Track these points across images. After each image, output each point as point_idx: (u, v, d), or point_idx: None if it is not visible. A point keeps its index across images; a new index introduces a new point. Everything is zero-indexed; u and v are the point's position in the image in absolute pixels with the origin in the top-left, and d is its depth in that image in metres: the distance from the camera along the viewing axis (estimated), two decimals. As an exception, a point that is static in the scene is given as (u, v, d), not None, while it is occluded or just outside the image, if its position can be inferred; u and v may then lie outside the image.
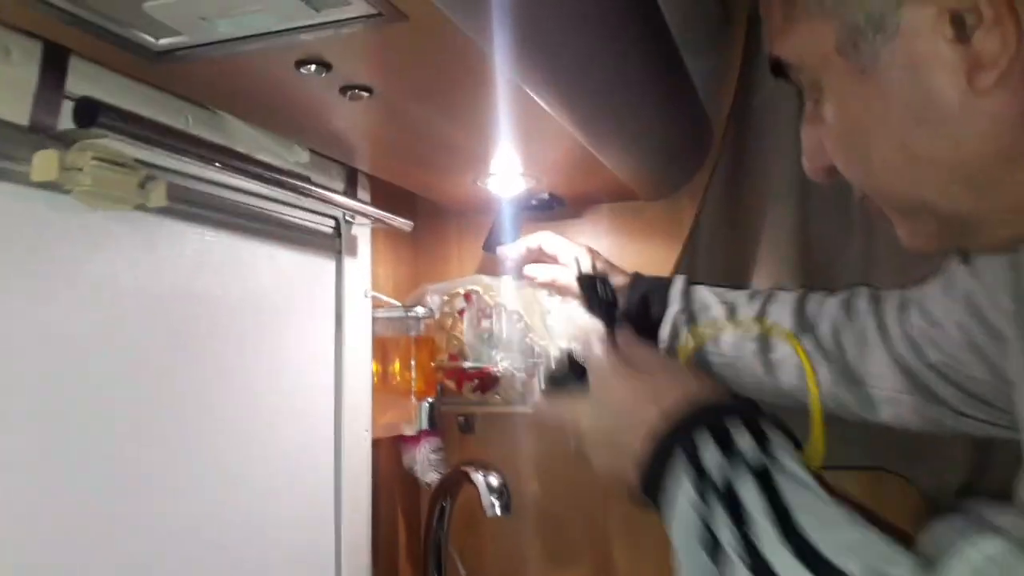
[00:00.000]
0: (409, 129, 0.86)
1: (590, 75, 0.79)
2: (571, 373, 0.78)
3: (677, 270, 1.20)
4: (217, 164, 0.83)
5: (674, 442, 0.60)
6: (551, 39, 0.70)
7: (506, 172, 1.04)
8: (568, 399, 0.76)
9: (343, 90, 0.74)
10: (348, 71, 0.69)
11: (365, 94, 0.74)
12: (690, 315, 1.00)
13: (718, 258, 1.24)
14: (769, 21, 0.60)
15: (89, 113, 0.64)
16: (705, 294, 1.02)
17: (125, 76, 0.74)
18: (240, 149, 0.89)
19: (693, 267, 1.22)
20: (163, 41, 0.62)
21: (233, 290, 0.92)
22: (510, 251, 1.13)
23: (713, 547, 0.53)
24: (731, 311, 1.00)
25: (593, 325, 0.84)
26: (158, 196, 0.79)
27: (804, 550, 0.49)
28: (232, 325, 0.91)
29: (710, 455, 0.58)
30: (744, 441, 0.58)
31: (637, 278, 1.06)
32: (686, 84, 1.00)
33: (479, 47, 0.63)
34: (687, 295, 1.02)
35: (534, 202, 1.16)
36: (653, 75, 0.89)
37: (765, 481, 0.54)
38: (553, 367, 0.82)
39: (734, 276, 1.20)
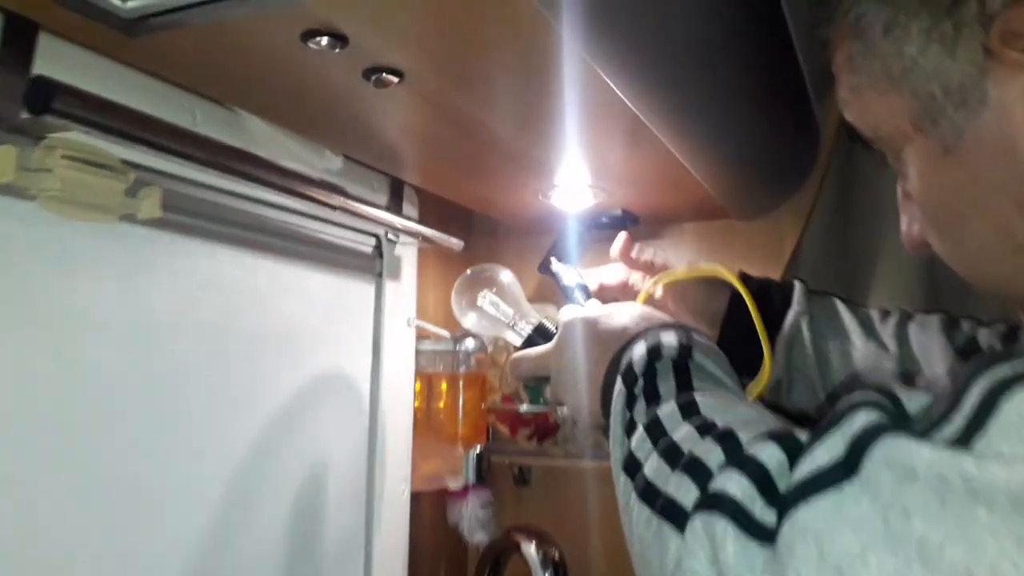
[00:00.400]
0: (455, 127, 0.71)
1: (686, 66, 0.63)
2: (539, 338, 0.78)
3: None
4: (227, 170, 0.69)
5: (620, 361, 0.60)
6: (639, 15, 0.54)
7: (575, 184, 0.88)
8: (537, 351, 0.75)
9: (367, 74, 0.59)
10: (370, 46, 0.55)
11: (394, 79, 0.59)
12: (812, 318, 0.82)
13: (828, 284, 1.05)
14: (837, 86, 0.54)
15: (42, 96, 0.51)
16: (833, 301, 0.84)
17: (111, 59, 0.61)
18: (259, 153, 0.76)
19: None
20: (131, 3, 0.48)
21: (249, 318, 0.78)
22: (570, 276, 0.95)
23: (630, 425, 0.54)
24: (864, 324, 0.81)
25: None
26: (150, 206, 0.66)
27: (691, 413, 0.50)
28: (246, 360, 0.78)
29: (638, 356, 0.58)
30: (670, 343, 0.58)
31: (747, 275, 0.87)
32: (798, 84, 0.82)
33: (547, 19, 0.48)
34: (810, 298, 0.84)
35: (604, 219, 1.00)
36: (761, 71, 0.72)
37: (680, 372, 0.55)
38: (521, 332, 0.81)
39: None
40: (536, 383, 1.05)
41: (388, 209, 0.94)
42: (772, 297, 0.83)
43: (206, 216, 0.73)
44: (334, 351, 0.90)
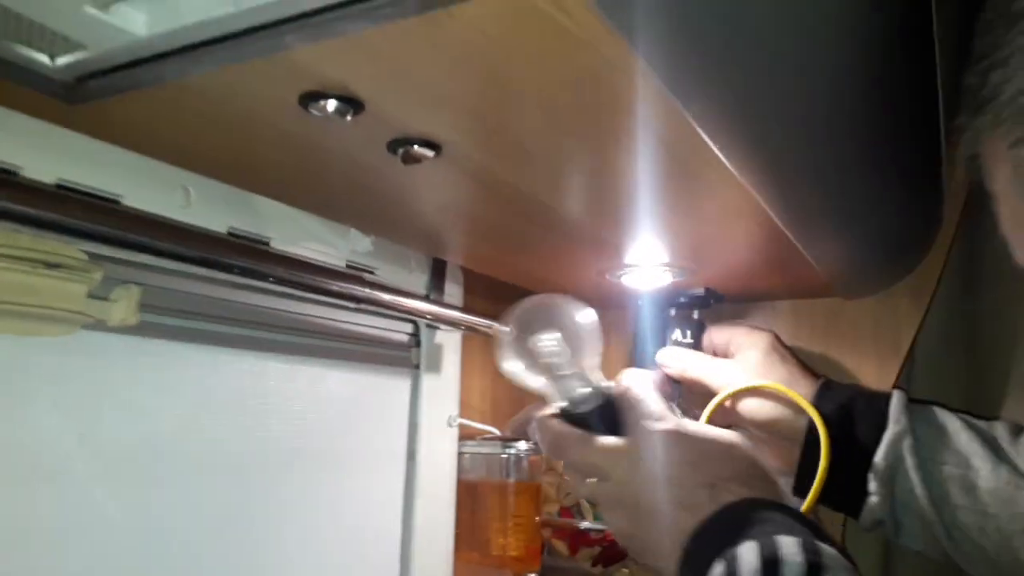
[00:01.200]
0: (507, 205, 0.56)
1: (807, 122, 0.47)
2: (596, 416, 0.59)
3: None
4: (226, 268, 0.56)
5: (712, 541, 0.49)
6: (754, 61, 0.39)
7: (648, 263, 0.73)
8: (601, 443, 0.58)
9: (393, 146, 0.45)
10: (394, 113, 0.41)
11: (428, 152, 0.45)
12: (917, 439, 0.65)
13: (949, 379, 0.87)
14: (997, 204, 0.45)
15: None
16: (942, 415, 0.67)
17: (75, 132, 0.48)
18: (270, 237, 0.62)
19: (912, 390, 0.86)
20: (62, 61, 0.35)
21: (255, 434, 0.64)
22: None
23: None
24: (989, 444, 0.64)
25: None
26: (125, 309, 0.52)
27: None
28: (253, 487, 0.63)
29: (747, 569, 0.44)
30: (793, 559, 0.44)
31: (828, 385, 0.71)
32: (933, 148, 0.66)
33: (628, 64, 0.33)
34: (912, 413, 0.67)
35: (683, 299, 0.83)
36: (891, 127, 0.56)
37: None
38: (577, 398, 0.61)
39: (973, 405, 0.83)
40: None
41: (428, 292, 0.80)
42: (858, 414, 0.67)
43: (199, 315, 0.60)
44: (360, 461, 0.75)
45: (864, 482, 0.66)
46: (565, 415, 0.61)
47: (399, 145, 0.45)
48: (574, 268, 0.75)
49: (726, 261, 0.72)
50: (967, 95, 0.42)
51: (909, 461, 0.64)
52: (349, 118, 0.40)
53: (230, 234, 0.60)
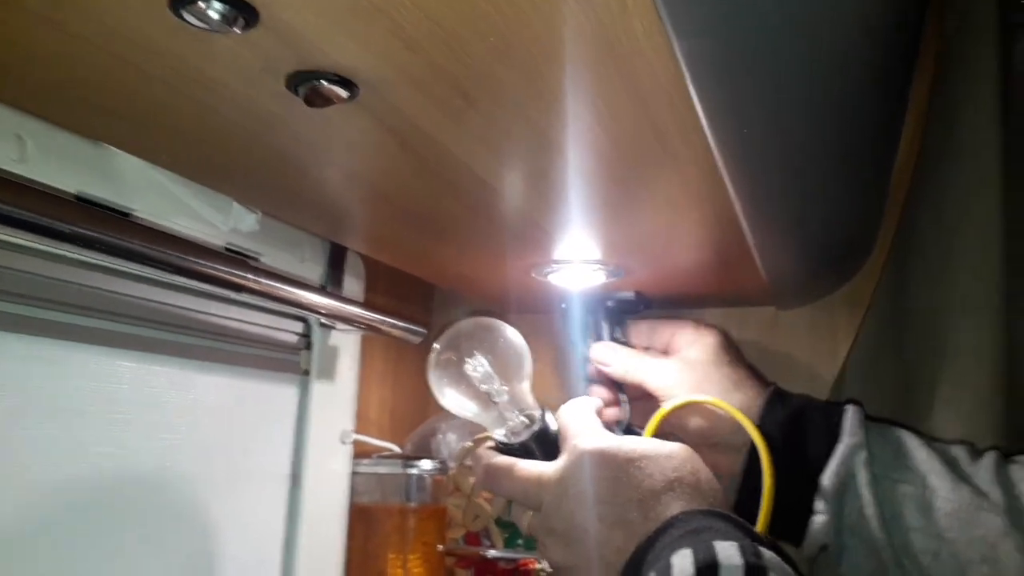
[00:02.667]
0: (433, 177, 0.46)
1: (791, 109, 0.40)
2: (532, 445, 0.58)
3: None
4: (71, 239, 0.44)
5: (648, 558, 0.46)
6: (757, 42, 0.31)
7: (579, 259, 0.64)
8: (528, 470, 0.56)
9: (295, 81, 0.34)
10: (300, 31, 0.30)
11: (341, 92, 0.34)
12: (872, 454, 0.59)
13: (880, 390, 0.83)
14: None
15: None
16: (900, 432, 0.63)
17: None
18: (132, 208, 0.50)
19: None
20: None
21: (104, 450, 0.51)
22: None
23: None
24: (949, 463, 0.59)
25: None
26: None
27: None
28: (103, 515, 0.51)
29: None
30: (731, 562, 0.40)
31: (779, 393, 0.65)
32: (886, 158, 0.61)
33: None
34: (868, 428, 0.62)
35: (610, 303, 0.76)
36: (857, 138, 0.50)
37: None
38: (515, 430, 0.60)
39: (902, 418, 0.80)
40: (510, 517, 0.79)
41: (324, 284, 0.69)
42: (809, 426, 0.61)
43: (29, 298, 0.47)
44: (236, 482, 0.63)
45: (810, 501, 0.59)
46: (502, 447, 0.59)
47: (303, 79, 0.34)
48: (498, 262, 0.66)
49: (665, 259, 0.64)
50: None
51: (861, 477, 0.58)
52: (238, 31, 0.30)
53: (79, 199, 0.47)
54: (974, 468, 0.60)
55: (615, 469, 0.52)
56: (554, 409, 0.62)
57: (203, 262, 0.50)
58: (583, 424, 0.57)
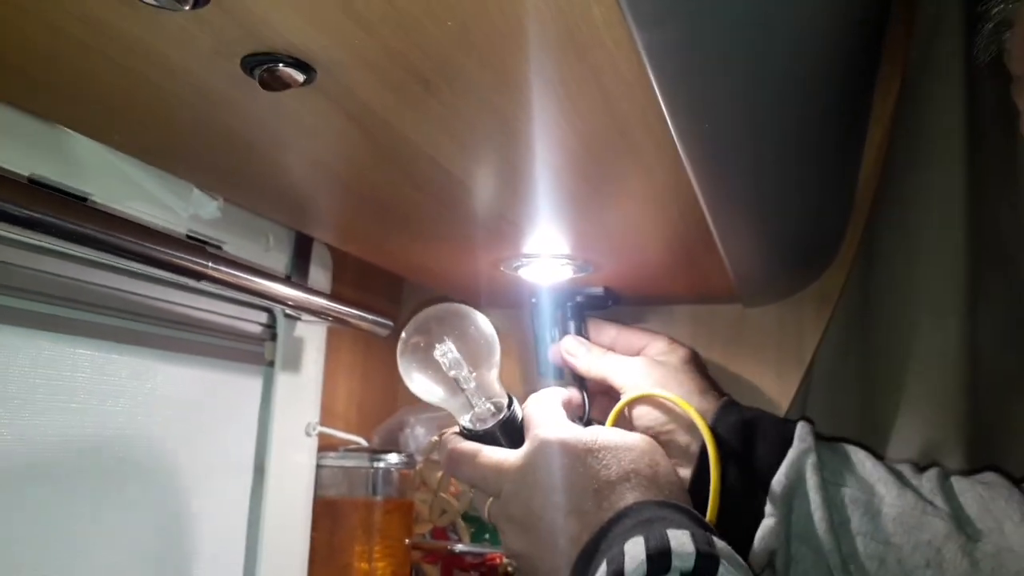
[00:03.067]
0: (393, 165, 0.46)
1: (757, 100, 0.39)
2: (498, 433, 0.59)
3: (792, 408, 0.80)
4: (24, 223, 0.43)
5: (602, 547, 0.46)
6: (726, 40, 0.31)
7: (547, 254, 0.64)
8: (489, 456, 0.58)
9: (251, 64, 0.34)
10: (255, 11, 0.30)
11: (297, 75, 0.34)
12: (822, 460, 0.60)
13: (845, 390, 0.84)
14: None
15: None
16: (848, 447, 0.64)
17: None
18: (89, 192, 0.49)
19: (809, 407, 0.82)
20: None
21: (61, 431, 0.50)
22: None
23: None
24: (894, 472, 0.61)
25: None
26: None
27: None
28: (55, 492, 0.50)
29: (633, 562, 0.41)
30: (684, 550, 0.41)
31: (733, 403, 0.65)
32: (852, 157, 0.61)
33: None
34: (818, 438, 0.62)
35: (579, 298, 0.76)
36: (824, 136, 0.50)
37: None
38: (481, 417, 0.61)
39: (867, 418, 0.81)
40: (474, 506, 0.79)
41: (289, 274, 0.68)
42: (760, 432, 0.61)
43: (-20, 283, 0.46)
44: (198, 475, 0.62)
45: (760, 506, 0.60)
46: (467, 433, 0.60)
47: (259, 62, 0.34)
48: (466, 255, 0.65)
49: (633, 255, 0.64)
50: None
51: (811, 481, 0.59)
52: (188, 8, 0.29)
53: (32, 181, 0.46)
54: (918, 480, 0.61)
55: (573, 459, 0.53)
56: (524, 400, 0.62)
57: (162, 249, 0.49)
58: (547, 414, 0.58)
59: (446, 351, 0.60)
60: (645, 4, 0.29)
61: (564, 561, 0.50)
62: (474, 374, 0.60)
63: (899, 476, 0.61)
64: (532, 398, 0.61)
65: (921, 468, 0.64)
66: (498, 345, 0.62)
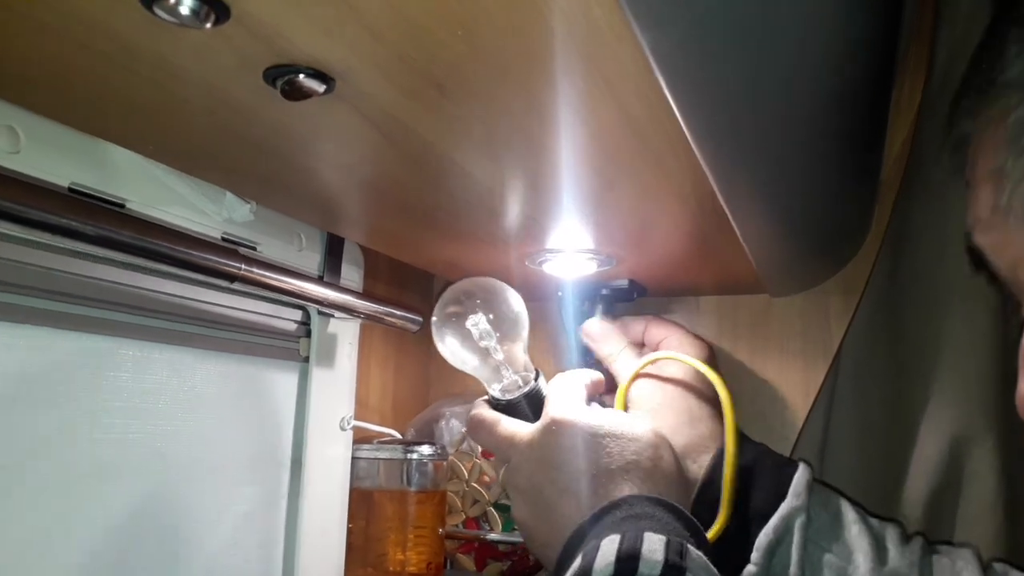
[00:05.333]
0: (415, 167, 0.47)
1: (769, 92, 0.40)
2: (522, 405, 0.63)
3: (818, 398, 0.80)
4: (67, 232, 0.45)
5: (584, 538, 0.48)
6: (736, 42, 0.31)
7: (572, 249, 0.65)
8: (506, 426, 0.61)
9: (272, 75, 0.35)
10: (272, 26, 0.31)
11: (317, 86, 0.35)
12: (810, 519, 0.61)
13: (873, 380, 0.83)
14: (971, 198, 0.43)
15: None
16: (842, 503, 0.64)
17: None
18: (125, 198, 0.51)
19: (837, 397, 0.82)
20: None
21: (106, 433, 0.53)
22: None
23: None
24: (877, 541, 0.62)
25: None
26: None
27: None
28: (100, 486, 0.52)
29: (602, 563, 0.43)
30: (653, 557, 0.42)
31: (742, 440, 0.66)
32: (876, 143, 0.61)
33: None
34: (813, 492, 0.63)
35: (604, 291, 0.77)
36: (845, 124, 0.50)
37: None
38: (507, 388, 0.64)
39: (896, 407, 0.81)
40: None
41: (322, 273, 0.70)
42: (758, 478, 0.62)
43: (30, 288, 0.48)
44: (237, 467, 0.64)
45: (749, 548, 0.60)
46: (493, 402, 0.63)
47: (280, 74, 0.35)
48: (491, 251, 0.66)
49: (654, 249, 0.65)
50: (975, 74, 0.40)
51: (795, 538, 0.59)
52: (209, 26, 0.31)
53: (72, 190, 0.49)
54: (901, 550, 0.62)
55: (577, 439, 0.56)
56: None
57: (196, 253, 0.51)
58: (565, 393, 0.60)
59: (477, 321, 0.62)
60: (645, 6, 0.30)
61: (557, 539, 0.52)
62: (503, 346, 0.63)
63: (881, 547, 0.61)
64: (558, 376, 0.64)
65: (908, 536, 0.64)
66: (526, 320, 0.64)
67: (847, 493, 0.67)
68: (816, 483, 0.64)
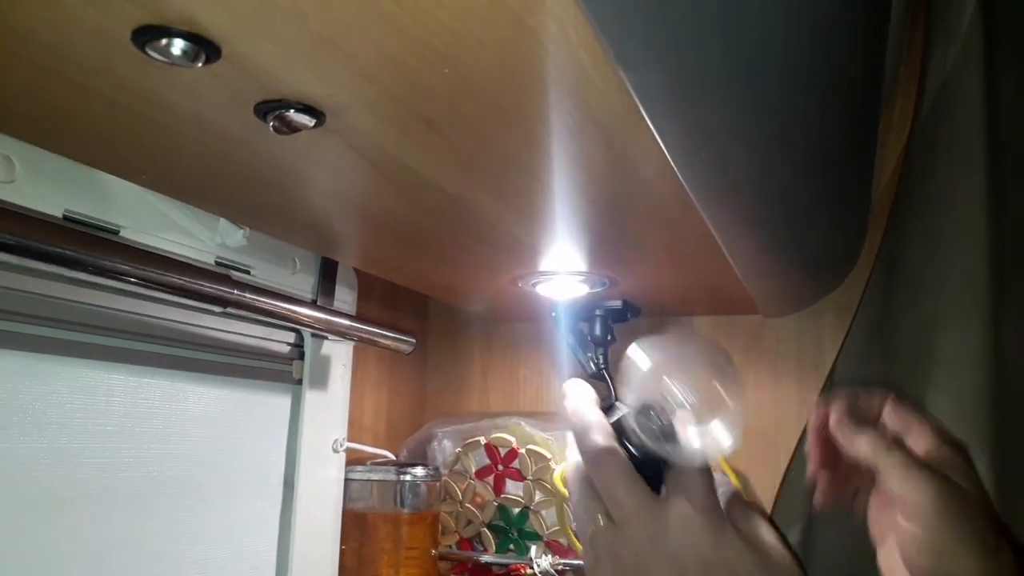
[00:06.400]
0: (406, 196, 0.48)
1: (754, 122, 0.40)
2: (653, 465, 0.49)
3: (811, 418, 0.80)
4: (59, 260, 0.45)
5: None
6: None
7: (564, 271, 0.65)
8: (645, 492, 0.49)
9: (263, 110, 0.36)
10: (260, 63, 0.32)
11: (307, 121, 0.36)
12: None
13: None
14: None
15: None
16: None
17: None
18: (120, 225, 0.51)
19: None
20: None
21: (98, 458, 0.53)
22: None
23: None
24: None
25: None
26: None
27: None
28: (94, 510, 0.52)
29: None
30: None
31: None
32: (866, 166, 0.61)
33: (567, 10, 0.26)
34: None
35: (599, 312, 0.77)
36: (834, 146, 0.50)
37: None
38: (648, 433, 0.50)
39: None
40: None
41: (315, 296, 0.70)
42: None
43: (25, 316, 0.48)
44: (230, 489, 0.65)
45: None
46: (630, 435, 0.51)
47: (270, 109, 0.36)
48: (484, 274, 0.67)
49: (647, 273, 0.65)
50: None
51: None
52: (200, 65, 0.31)
53: (66, 219, 0.49)
54: None
55: (710, 549, 0.48)
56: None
57: (189, 279, 0.51)
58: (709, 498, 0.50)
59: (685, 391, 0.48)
60: (628, 48, 0.30)
61: None
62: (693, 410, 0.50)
63: None
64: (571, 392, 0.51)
65: None
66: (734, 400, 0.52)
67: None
68: None
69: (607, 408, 0.52)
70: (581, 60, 0.31)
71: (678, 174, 0.41)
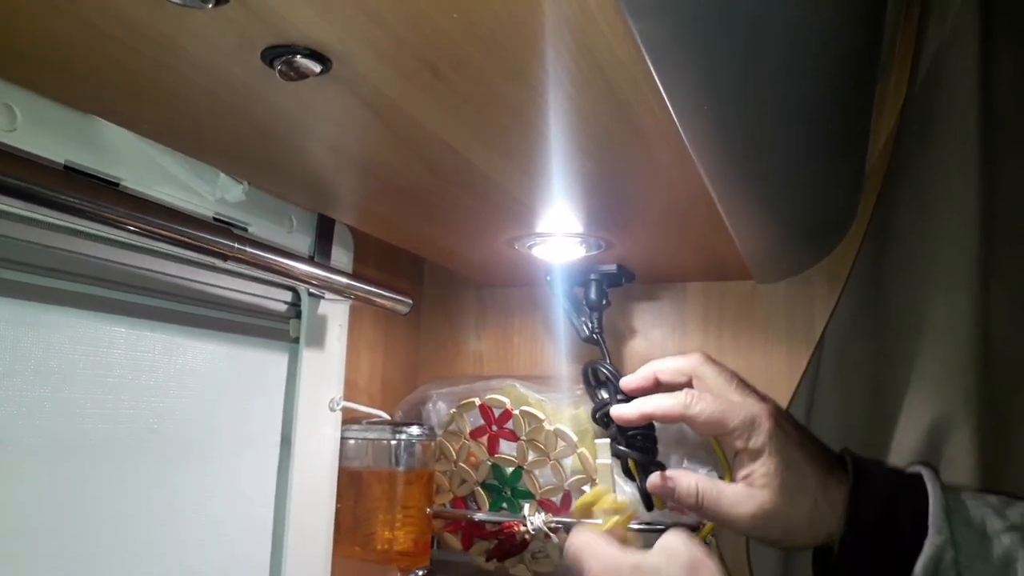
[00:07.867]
0: (408, 150, 0.48)
1: (757, 80, 0.41)
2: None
3: (801, 383, 0.81)
4: (59, 206, 0.45)
5: None
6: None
7: (561, 233, 0.66)
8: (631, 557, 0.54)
9: (270, 56, 0.36)
10: (273, 3, 0.32)
11: (314, 66, 0.36)
12: (957, 547, 0.57)
13: (856, 366, 0.85)
14: None
15: None
16: (980, 511, 0.59)
17: None
18: (120, 177, 0.51)
19: (818, 383, 0.84)
20: None
21: (98, 411, 0.53)
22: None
23: None
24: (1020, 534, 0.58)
25: None
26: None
27: None
28: (91, 463, 0.53)
29: None
30: None
31: (862, 467, 0.62)
32: (861, 133, 0.62)
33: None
34: (951, 513, 0.59)
35: (593, 276, 0.77)
36: (832, 113, 0.51)
37: None
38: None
39: (878, 394, 0.82)
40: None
41: (312, 254, 0.71)
42: (900, 518, 0.58)
43: (23, 264, 0.48)
44: (227, 446, 0.65)
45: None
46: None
47: (278, 54, 0.36)
48: (481, 234, 0.67)
49: (644, 233, 0.66)
50: None
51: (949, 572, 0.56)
52: (211, 7, 0.31)
53: (67, 168, 0.49)
54: None
55: None
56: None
57: (190, 231, 0.52)
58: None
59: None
60: (638, -5, 0.31)
61: None
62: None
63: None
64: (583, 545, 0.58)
65: None
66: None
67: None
68: (949, 493, 0.59)
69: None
70: (590, 8, 0.32)
71: (680, 130, 0.42)
